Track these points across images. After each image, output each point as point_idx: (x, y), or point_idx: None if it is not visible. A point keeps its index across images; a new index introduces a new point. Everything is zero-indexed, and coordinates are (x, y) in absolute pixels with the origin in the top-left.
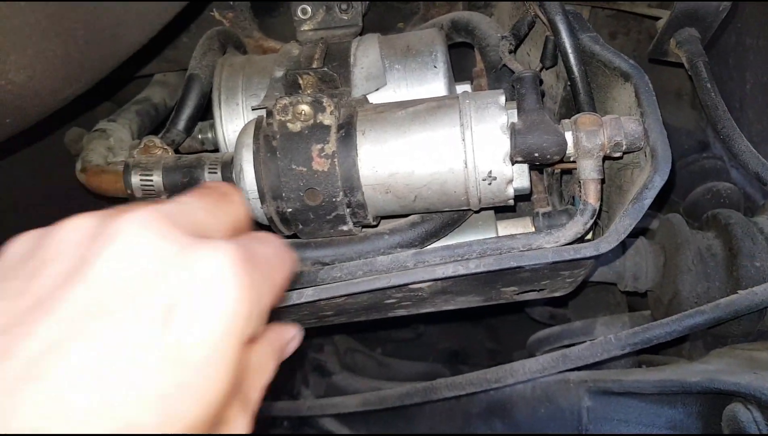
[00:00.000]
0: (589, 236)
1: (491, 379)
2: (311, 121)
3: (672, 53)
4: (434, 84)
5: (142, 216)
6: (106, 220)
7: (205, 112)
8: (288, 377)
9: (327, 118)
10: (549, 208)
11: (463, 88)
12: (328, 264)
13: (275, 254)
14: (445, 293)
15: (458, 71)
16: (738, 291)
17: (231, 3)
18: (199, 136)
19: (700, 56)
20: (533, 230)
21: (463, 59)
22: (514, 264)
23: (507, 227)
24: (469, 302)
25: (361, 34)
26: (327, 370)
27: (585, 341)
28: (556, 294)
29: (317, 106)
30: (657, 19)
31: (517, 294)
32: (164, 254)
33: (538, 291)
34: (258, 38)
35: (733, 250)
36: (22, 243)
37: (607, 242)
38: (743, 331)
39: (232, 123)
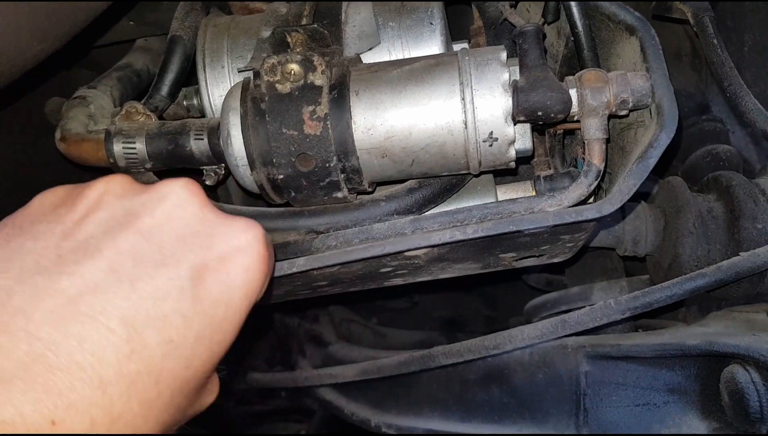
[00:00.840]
0: (591, 200)
1: (489, 346)
2: (301, 82)
3: (677, 9)
4: (431, 42)
5: (186, 186)
6: (147, 186)
7: (189, 77)
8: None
9: (318, 78)
10: (551, 172)
11: (460, 45)
12: (322, 233)
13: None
14: (442, 261)
15: (455, 30)
16: (740, 254)
17: None
18: (184, 103)
19: (706, 11)
20: (534, 194)
21: (460, 18)
22: (513, 228)
23: (507, 192)
24: (467, 269)
25: None
26: (323, 340)
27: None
28: (556, 260)
29: (307, 65)
30: None
31: (516, 260)
32: (205, 221)
33: (537, 257)
34: None
35: (734, 212)
36: (54, 193)
37: (610, 203)
38: (743, 293)
39: (218, 87)
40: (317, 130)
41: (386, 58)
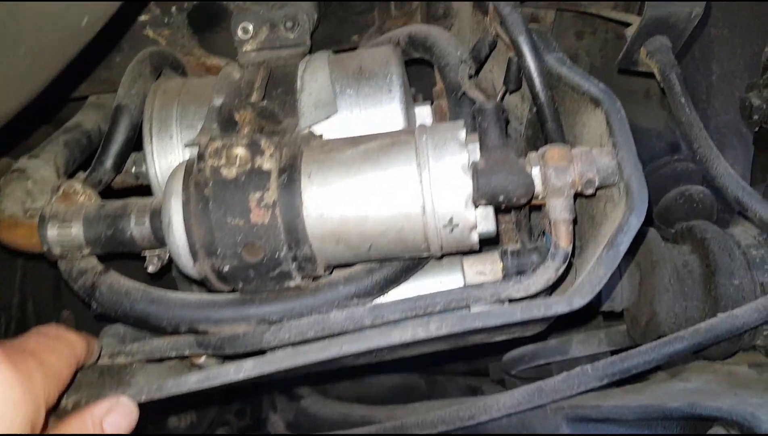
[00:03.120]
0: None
1: (464, 417)
2: (248, 166)
3: (643, 63)
4: (389, 108)
5: None
6: None
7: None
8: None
9: (266, 162)
10: (518, 246)
11: (422, 109)
12: (275, 323)
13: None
14: (408, 346)
15: (420, 87)
16: (717, 312)
17: (165, 21)
18: (133, 170)
19: (672, 67)
20: (501, 266)
21: (424, 75)
22: (479, 325)
23: (474, 264)
24: (436, 347)
25: (311, 50)
26: (296, 393)
27: (560, 359)
28: (527, 334)
29: (254, 148)
30: (627, 25)
31: (486, 340)
32: None
33: (508, 335)
34: (199, 56)
35: (710, 267)
36: None
37: (580, 297)
38: (723, 352)
39: (166, 158)
40: (265, 218)
41: (344, 124)
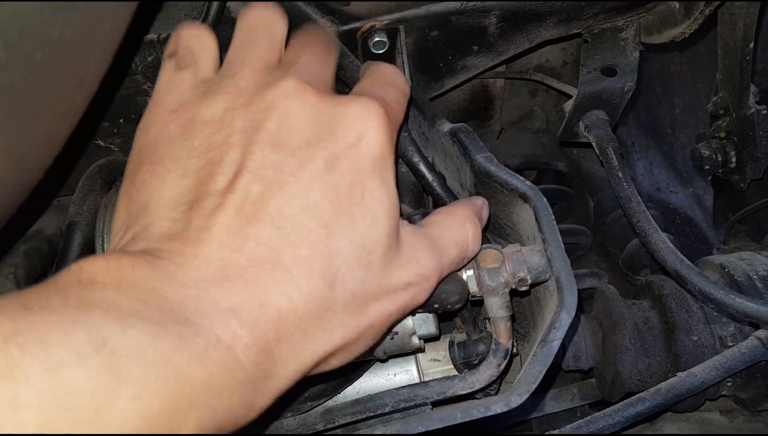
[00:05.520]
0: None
1: None
2: None
3: (582, 135)
4: None
5: (291, 90)
6: (256, 97)
7: None
8: None
9: None
10: (464, 337)
11: None
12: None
13: (395, 89)
14: None
15: None
16: (679, 368)
17: (115, 131)
18: None
19: (609, 141)
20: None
21: None
22: (422, 429)
23: (428, 352)
24: None
25: None
26: None
27: (535, 417)
28: None
29: None
30: (569, 97)
31: None
32: (321, 118)
33: None
34: None
35: (669, 323)
36: (166, 121)
37: (518, 395)
38: (690, 406)
39: None
40: None
41: None
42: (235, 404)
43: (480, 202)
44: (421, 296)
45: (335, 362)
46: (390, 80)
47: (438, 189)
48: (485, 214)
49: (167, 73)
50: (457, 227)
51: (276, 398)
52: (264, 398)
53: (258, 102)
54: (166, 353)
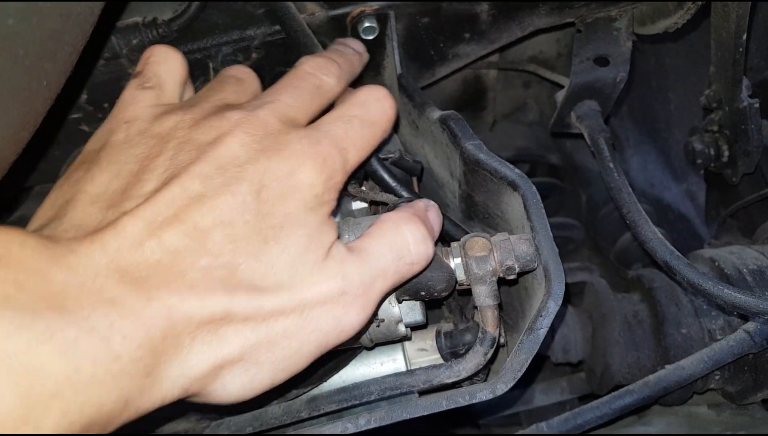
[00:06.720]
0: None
1: None
2: None
3: (574, 126)
4: None
5: (238, 119)
6: (205, 121)
7: None
8: None
9: None
10: (451, 327)
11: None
12: (214, 419)
13: (363, 124)
14: None
15: None
16: (668, 361)
17: (99, 117)
18: None
19: (601, 132)
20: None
21: None
22: (406, 417)
23: (415, 341)
24: None
25: None
26: None
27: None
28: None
29: None
30: (561, 87)
31: None
32: (260, 148)
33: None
34: None
35: (658, 317)
36: (117, 130)
37: (503, 383)
38: (678, 399)
39: None
40: None
41: None
42: (109, 399)
43: (422, 204)
44: (353, 308)
45: (242, 376)
46: (361, 114)
47: (398, 191)
48: (432, 215)
49: (131, 89)
50: (392, 232)
51: (163, 405)
52: (144, 398)
53: (204, 124)
54: (29, 345)
